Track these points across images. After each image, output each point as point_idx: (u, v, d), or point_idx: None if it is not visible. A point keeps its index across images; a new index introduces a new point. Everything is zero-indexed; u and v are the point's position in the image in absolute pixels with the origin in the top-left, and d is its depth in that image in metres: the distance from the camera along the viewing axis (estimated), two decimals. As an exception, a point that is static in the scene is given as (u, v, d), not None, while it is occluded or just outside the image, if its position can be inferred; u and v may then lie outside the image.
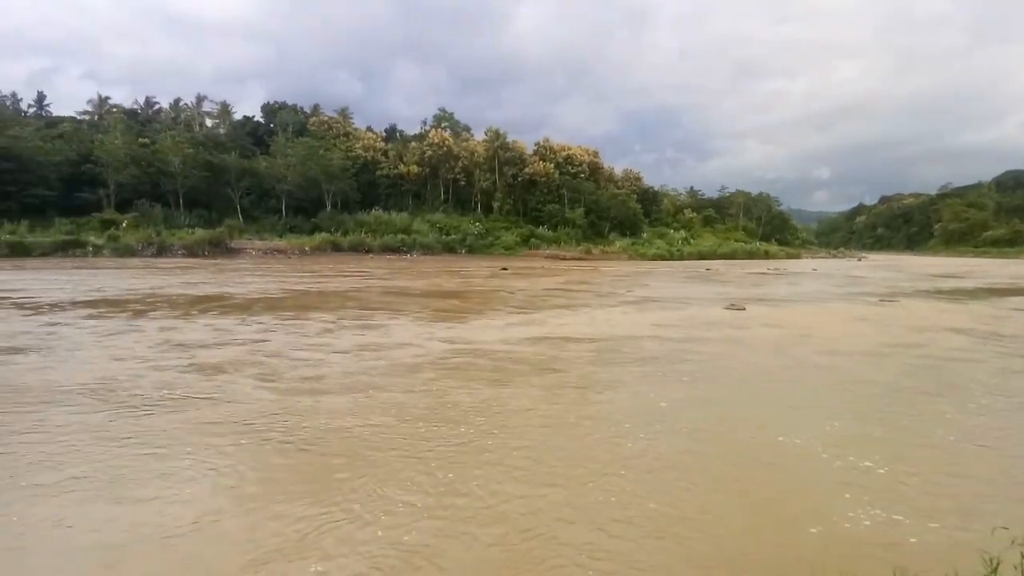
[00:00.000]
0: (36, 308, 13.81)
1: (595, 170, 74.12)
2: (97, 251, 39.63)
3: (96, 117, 64.92)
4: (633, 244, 62.79)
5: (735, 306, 16.79)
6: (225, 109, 68.74)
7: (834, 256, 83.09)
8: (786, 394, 7.55)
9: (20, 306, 14.06)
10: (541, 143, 72.54)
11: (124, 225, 44.60)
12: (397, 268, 34.50)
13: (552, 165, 68.88)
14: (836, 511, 4.28)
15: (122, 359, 8.61)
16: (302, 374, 7.86)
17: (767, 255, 68.09)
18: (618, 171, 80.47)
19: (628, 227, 67.62)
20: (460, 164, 66.27)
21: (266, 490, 4.47)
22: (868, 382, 8.13)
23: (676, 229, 73.08)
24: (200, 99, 69.33)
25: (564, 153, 71.58)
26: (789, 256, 71.99)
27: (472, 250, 56.17)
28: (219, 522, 3.99)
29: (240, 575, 3.41)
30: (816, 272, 40.23)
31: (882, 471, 4.99)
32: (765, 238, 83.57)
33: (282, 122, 67.35)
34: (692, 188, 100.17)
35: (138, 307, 14.41)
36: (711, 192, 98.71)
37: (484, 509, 4.22)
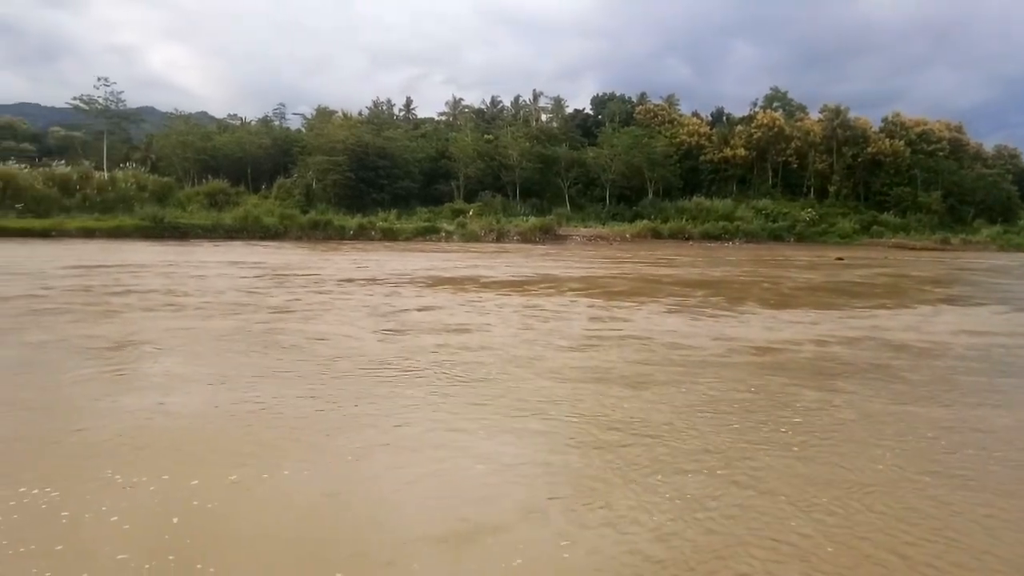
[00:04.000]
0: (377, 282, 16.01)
1: (957, 147, 64.24)
2: (448, 236, 44.89)
3: (451, 118, 73.45)
4: (1005, 233, 53.21)
5: None
6: (558, 103, 72.87)
7: None
8: None
9: (375, 282, 16.36)
10: (889, 118, 64.83)
11: (470, 214, 49.85)
12: (713, 256, 33.53)
13: (902, 143, 61.18)
14: None
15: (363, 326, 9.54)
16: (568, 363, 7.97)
17: None
18: (988, 148, 68.65)
19: (999, 213, 57.45)
20: (792, 146, 62.10)
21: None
22: None
23: (1067, 215, 60.15)
24: (536, 95, 74.40)
25: (918, 129, 63.15)
26: None
27: (802, 238, 52.47)
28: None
29: None
30: None
31: None
32: None
33: (609, 113, 69.50)
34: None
35: (468, 285, 15.90)
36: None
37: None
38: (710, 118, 71.84)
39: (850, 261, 31.56)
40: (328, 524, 3.69)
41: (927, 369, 7.97)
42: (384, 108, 76.13)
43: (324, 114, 66.39)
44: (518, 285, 16.67)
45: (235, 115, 75.75)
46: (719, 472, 4.48)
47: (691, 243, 47.81)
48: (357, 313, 11.23)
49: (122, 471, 4.20)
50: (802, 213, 55.59)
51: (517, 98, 76.61)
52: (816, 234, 53.19)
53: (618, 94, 74.60)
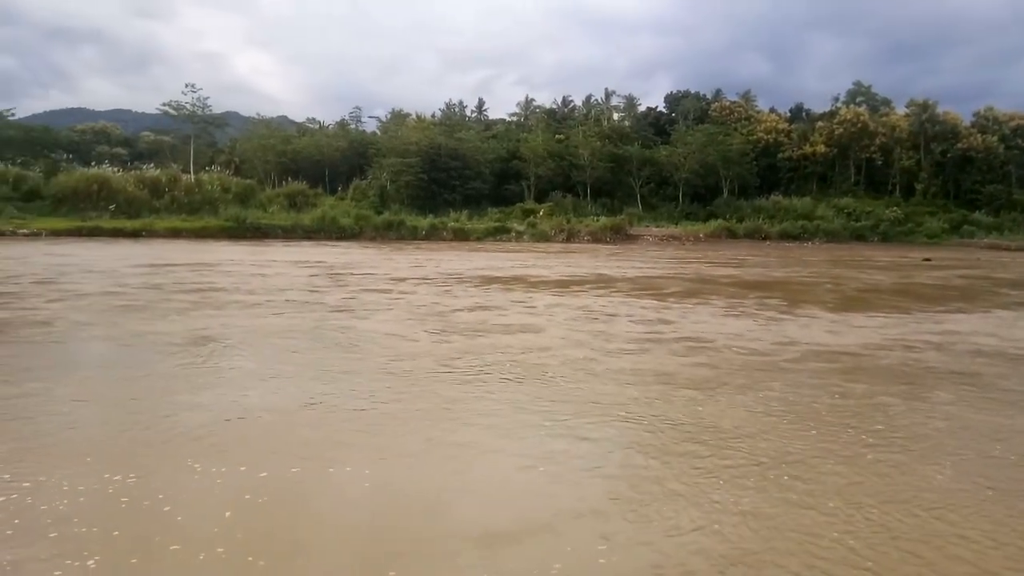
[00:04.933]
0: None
1: (1056, 142, 60.25)
2: (519, 236, 45.02)
3: (522, 118, 73.61)
4: (1109, 232, 49.73)
5: None
6: (631, 102, 72.13)
7: None
8: None
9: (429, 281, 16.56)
10: (981, 113, 61.48)
11: (541, 214, 49.86)
12: (787, 257, 32.50)
13: (995, 138, 57.88)
14: None
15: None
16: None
17: None
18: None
19: (1108, 211, 53.70)
20: (876, 142, 59.65)
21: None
22: None
23: None
24: (608, 94, 73.79)
25: (1012, 124, 59.56)
26: None
27: (886, 238, 50.33)
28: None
29: None
30: None
31: None
32: None
33: (683, 110, 68.35)
34: None
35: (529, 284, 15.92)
36: None
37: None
38: (789, 114, 69.75)
39: (937, 262, 30.09)
40: (382, 519, 3.74)
41: (1017, 377, 7.52)
42: (456, 110, 76.94)
43: (398, 117, 67.70)
44: (570, 285, 16.64)
45: (313, 119, 78.11)
46: (792, 482, 4.31)
47: (768, 243, 46.50)
48: (412, 313, 11.41)
49: (201, 461, 4.37)
50: (887, 212, 53.29)
51: (589, 97, 76.22)
52: (902, 234, 50.93)
53: (692, 91, 73.30)
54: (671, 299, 14.08)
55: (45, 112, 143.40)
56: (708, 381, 6.92)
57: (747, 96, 70.57)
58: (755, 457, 4.76)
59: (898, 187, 60.05)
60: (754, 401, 6.20)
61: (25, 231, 34.89)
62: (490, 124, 71.72)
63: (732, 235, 48.36)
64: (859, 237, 50.08)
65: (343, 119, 74.77)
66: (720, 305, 13.25)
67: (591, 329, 9.92)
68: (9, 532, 3.38)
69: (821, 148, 59.79)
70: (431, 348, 8.37)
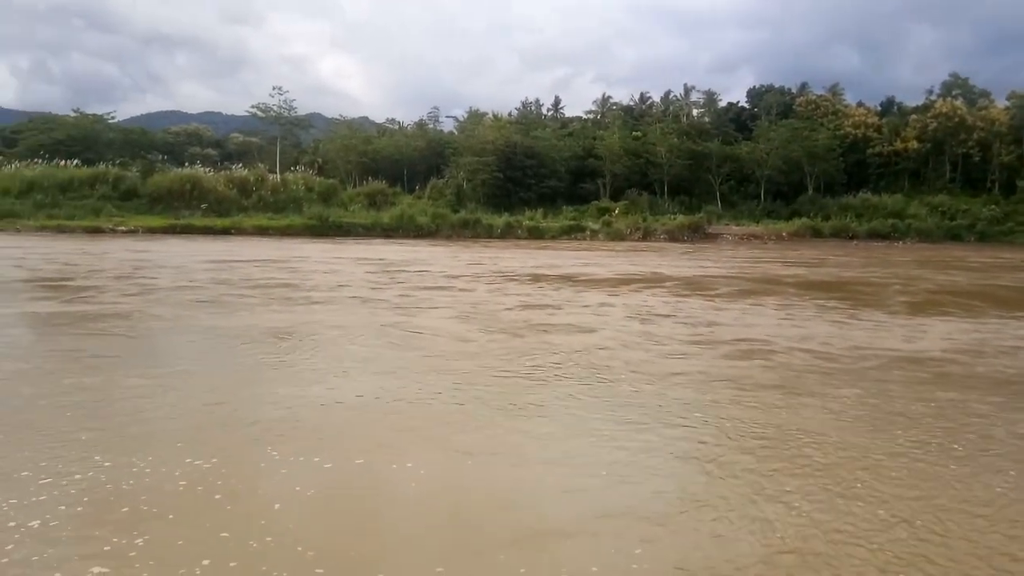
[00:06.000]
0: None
1: None
2: (594, 235, 44.79)
3: (599, 115, 73.05)
4: None
5: None
6: (711, 97, 70.50)
7: None
8: None
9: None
10: (1092, 104, 57.35)
11: (616, 212, 49.42)
12: (871, 256, 31.14)
13: (1110, 130, 53.94)
14: None
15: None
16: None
17: None
18: None
19: None
20: (974, 137, 56.44)
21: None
22: None
23: None
24: (688, 89, 72.39)
25: None
26: None
27: (984, 237, 47.66)
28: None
29: None
30: None
31: None
32: None
33: (766, 105, 66.40)
34: None
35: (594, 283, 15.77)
36: None
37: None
38: (879, 108, 66.78)
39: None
40: (441, 512, 3.78)
41: None
42: (533, 108, 77.03)
43: (475, 116, 68.29)
44: (632, 284, 16.45)
45: (393, 119, 79.73)
46: (868, 494, 4.11)
47: (855, 243, 44.76)
48: (472, 310, 11.49)
49: (279, 450, 4.55)
50: (984, 210, 50.37)
51: (667, 93, 74.91)
52: (1001, 233, 48.07)
53: (777, 86, 71.10)
54: (733, 299, 13.73)
55: (142, 115, 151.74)
56: (774, 385, 6.69)
57: (834, 90, 67.88)
58: (826, 465, 4.57)
59: (997, 184, 56.59)
60: (824, 407, 5.96)
61: (123, 228, 36.92)
62: (566, 122, 71.42)
63: (817, 234, 46.74)
64: (954, 237, 47.60)
65: (422, 119, 76.06)
66: (783, 306, 12.84)
67: (647, 330, 9.75)
68: (79, 509, 3.58)
69: (914, 143, 56.95)
70: (489, 346, 8.41)
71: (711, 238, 45.43)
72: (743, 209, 53.89)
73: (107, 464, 4.17)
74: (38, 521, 3.40)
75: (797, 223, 47.83)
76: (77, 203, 40.53)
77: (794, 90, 69.96)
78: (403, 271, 18.55)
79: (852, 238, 46.27)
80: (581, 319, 10.76)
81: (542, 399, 6.06)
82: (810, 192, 55.57)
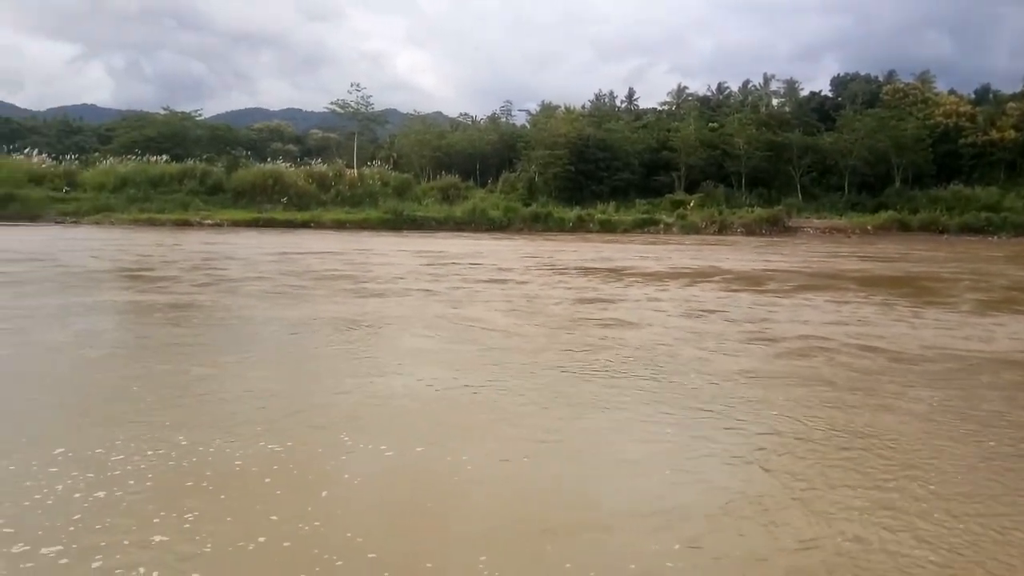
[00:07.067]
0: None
1: None
2: (667, 228, 44.08)
3: (674, 107, 71.74)
4: None
5: None
6: (792, 86, 68.27)
7: None
8: None
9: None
10: None
11: (691, 205, 48.48)
12: (959, 252, 29.43)
13: None
14: None
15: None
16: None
17: None
18: None
19: None
20: (1080, 124, 52.82)
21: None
22: None
23: None
24: (767, 79, 70.35)
25: None
26: None
27: (1090, 232, 44.54)
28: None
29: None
30: None
31: None
32: None
33: (851, 94, 63.90)
34: None
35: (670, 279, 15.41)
36: None
37: None
38: (973, 96, 63.28)
39: None
40: (487, 504, 3.74)
41: None
42: (606, 100, 76.29)
43: (547, 109, 68.10)
44: (695, 277, 16.06)
45: (466, 114, 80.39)
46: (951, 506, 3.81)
47: (945, 237, 42.57)
48: (528, 303, 11.39)
49: (341, 437, 4.62)
50: (1090, 202, 47.10)
51: (746, 83, 73.03)
52: (1110, 228, 44.85)
53: (862, 74, 68.35)
54: (791, 294, 13.17)
55: (227, 112, 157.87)
56: (845, 386, 6.34)
57: (924, 77, 64.62)
58: (904, 471, 4.28)
59: (1107, 174, 52.82)
60: (906, 409, 5.61)
61: (209, 221, 38.52)
62: (640, 114, 70.41)
63: (904, 228, 44.70)
64: (1055, 231, 44.67)
65: (494, 113, 76.24)
66: (843, 302, 12.15)
67: (705, 328, 9.39)
68: (145, 484, 3.71)
69: (1010, 133, 53.61)
70: (544, 340, 8.30)
71: (791, 232, 44.02)
72: (825, 202, 52.00)
73: (175, 444, 4.34)
74: (104, 492, 3.57)
75: (883, 216, 45.87)
76: (167, 197, 42.45)
77: (881, 78, 67.18)
78: (463, 264, 18.69)
79: (942, 232, 44.05)
80: (637, 314, 10.54)
81: (600, 395, 5.94)
82: (897, 184, 53.15)
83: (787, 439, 4.88)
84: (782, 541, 3.34)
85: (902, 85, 63.56)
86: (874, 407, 5.70)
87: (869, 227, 44.34)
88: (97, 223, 37.25)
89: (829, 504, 3.79)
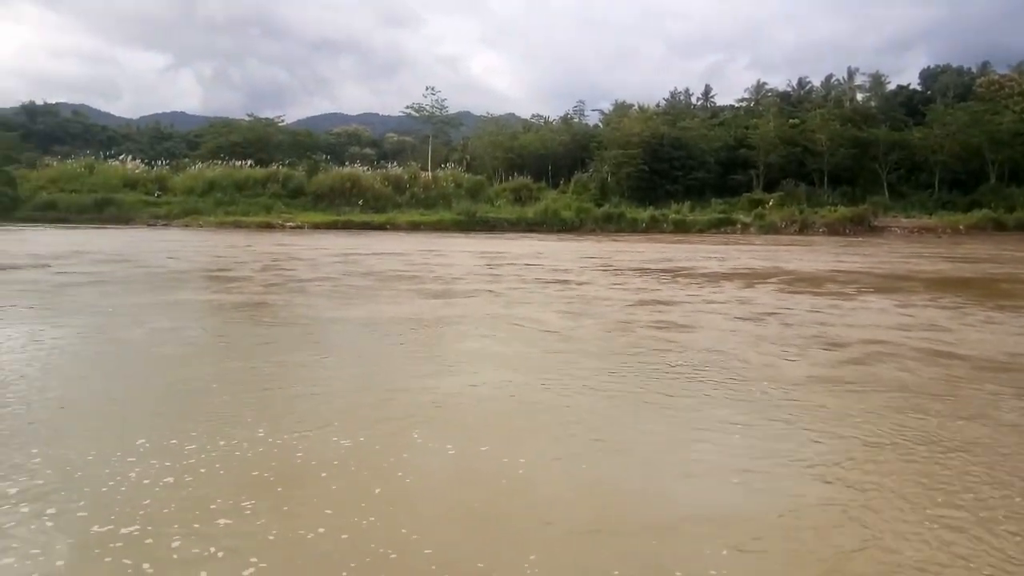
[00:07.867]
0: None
1: None
2: (745, 228, 42.98)
3: (752, 103, 69.95)
4: None
5: None
6: (877, 80, 65.57)
7: None
8: None
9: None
10: None
11: (770, 204, 47.11)
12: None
13: None
14: None
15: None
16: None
17: None
18: None
19: None
20: None
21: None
22: None
23: None
24: (852, 73, 67.82)
25: None
26: None
27: None
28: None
29: None
30: None
31: None
32: None
33: (941, 87, 60.92)
34: None
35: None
36: None
37: None
38: (1078, 86, 59.31)
39: None
40: (544, 506, 3.64)
41: None
42: (681, 98, 75.16)
43: (621, 108, 67.44)
44: (768, 278, 15.41)
45: (538, 115, 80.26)
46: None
47: (1047, 236, 40.01)
48: (587, 304, 11.18)
49: (424, 434, 4.63)
50: None
51: (829, 77, 70.69)
52: None
53: (954, 66, 65.03)
54: (858, 296, 12.53)
55: (307, 118, 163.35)
56: (927, 392, 5.97)
57: (1021, 69, 60.99)
58: (995, 488, 3.98)
59: None
60: (1000, 421, 5.23)
61: (291, 224, 39.80)
62: (717, 111, 69.00)
63: (1000, 227, 42.24)
64: None
65: (567, 113, 76.01)
66: (916, 305, 11.50)
67: (761, 332, 8.99)
68: (215, 472, 3.84)
69: (1122, 125, 50.08)
70: (604, 342, 8.18)
71: (877, 231, 42.22)
72: (914, 200, 49.69)
73: (245, 437, 4.48)
74: (172, 478, 3.74)
75: (977, 215, 43.51)
76: (251, 200, 44.21)
77: (974, 70, 63.80)
78: (526, 264, 18.61)
79: (1042, 231, 41.45)
80: (704, 317, 10.23)
81: (659, 398, 5.78)
82: (992, 181, 50.33)
83: (862, 448, 4.63)
84: (838, 553, 3.17)
85: (997, 77, 60.18)
86: (953, 416, 5.37)
87: (961, 226, 42.12)
88: (186, 225, 39.05)
89: (906, 518, 3.57)
